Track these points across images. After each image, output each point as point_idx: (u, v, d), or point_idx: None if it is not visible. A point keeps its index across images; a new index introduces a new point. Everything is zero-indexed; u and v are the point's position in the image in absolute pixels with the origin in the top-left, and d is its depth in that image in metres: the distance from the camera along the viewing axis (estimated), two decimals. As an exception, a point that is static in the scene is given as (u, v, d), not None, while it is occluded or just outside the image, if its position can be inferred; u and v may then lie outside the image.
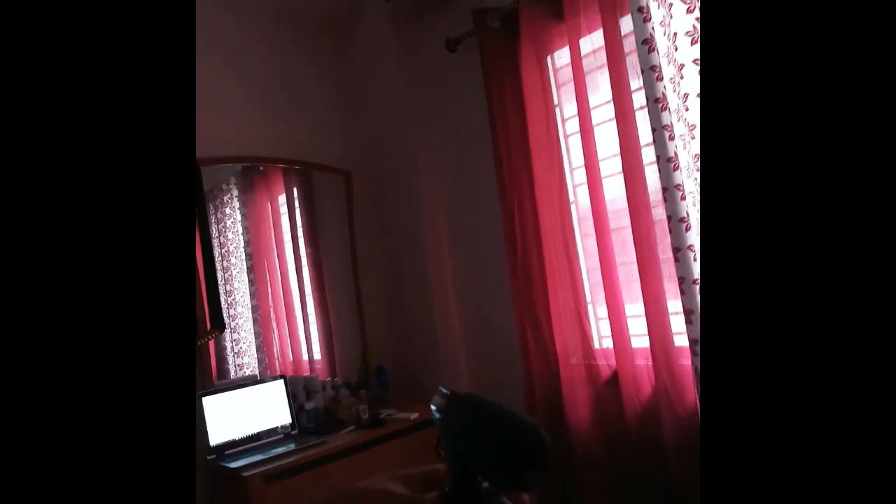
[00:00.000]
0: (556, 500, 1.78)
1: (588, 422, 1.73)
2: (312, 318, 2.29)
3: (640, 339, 1.63)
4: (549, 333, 1.79)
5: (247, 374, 2.11)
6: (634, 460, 1.61)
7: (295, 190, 2.36)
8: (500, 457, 0.30)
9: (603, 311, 1.71)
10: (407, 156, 2.19)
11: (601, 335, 1.81)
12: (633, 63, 1.50)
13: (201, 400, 1.71)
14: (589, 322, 1.76)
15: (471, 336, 2.16)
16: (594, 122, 1.66)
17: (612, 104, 1.57)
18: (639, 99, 1.56)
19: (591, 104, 1.66)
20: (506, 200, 1.83)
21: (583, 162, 1.66)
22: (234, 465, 1.62)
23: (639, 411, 1.61)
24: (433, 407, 0.33)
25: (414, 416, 1.87)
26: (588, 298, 1.78)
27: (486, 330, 2.11)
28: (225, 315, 2.06)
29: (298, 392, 2.00)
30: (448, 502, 0.31)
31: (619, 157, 1.56)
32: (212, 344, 1.98)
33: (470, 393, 0.32)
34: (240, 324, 2.19)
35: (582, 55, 1.63)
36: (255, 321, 2.23)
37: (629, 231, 1.57)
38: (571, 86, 1.68)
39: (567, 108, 1.82)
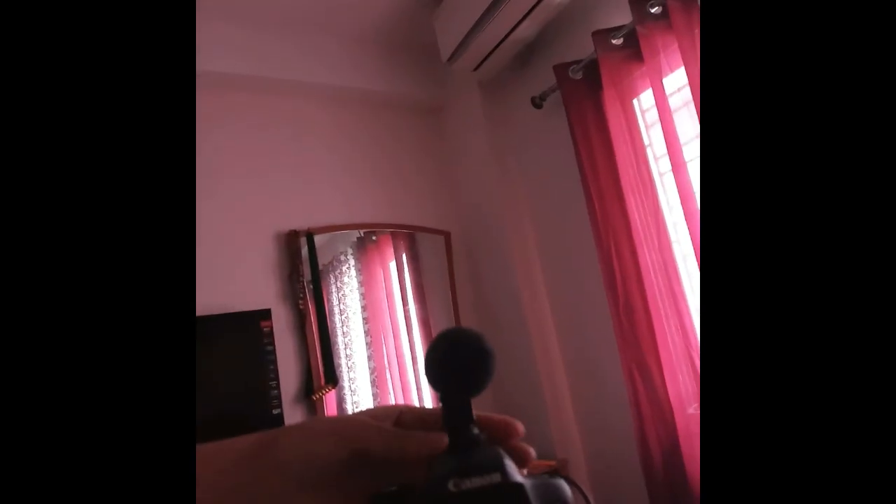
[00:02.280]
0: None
1: (714, 479, 1.58)
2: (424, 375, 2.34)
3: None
4: (661, 381, 1.68)
5: (363, 431, 2.18)
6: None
7: (404, 255, 2.50)
8: (449, 367, 0.32)
9: (718, 354, 1.58)
10: (499, 212, 2.26)
11: (720, 382, 1.66)
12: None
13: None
14: (703, 367, 1.63)
15: (578, 393, 2.09)
16: (686, 159, 1.61)
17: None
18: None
19: (682, 140, 1.62)
20: (602, 245, 1.81)
21: (679, 200, 1.61)
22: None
23: (770, 465, 1.44)
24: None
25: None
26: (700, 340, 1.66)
27: (594, 383, 2.03)
28: (345, 375, 2.19)
29: (409, 448, 2.03)
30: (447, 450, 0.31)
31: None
32: (332, 402, 2.10)
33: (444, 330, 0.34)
34: (359, 385, 2.30)
35: (667, 94, 1.62)
36: (371, 382, 2.33)
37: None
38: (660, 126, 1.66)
39: (658, 147, 1.79)
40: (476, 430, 0.32)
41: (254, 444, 0.31)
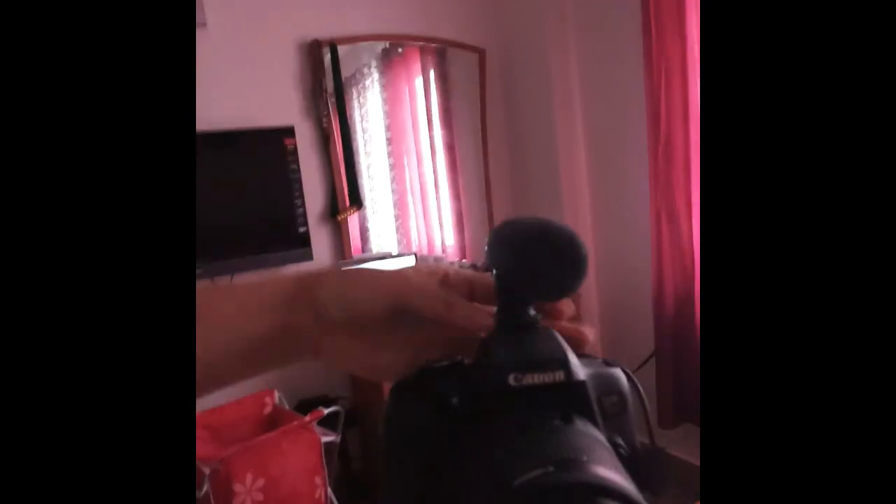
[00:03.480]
0: (676, 401, 1.73)
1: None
2: (446, 201, 2.34)
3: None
4: (688, 226, 1.65)
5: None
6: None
7: (431, 72, 2.33)
8: (541, 268, 0.28)
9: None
10: (543, 30, 2.04)
11: (750, 231, 1.63)
12: None
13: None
14: (736, 215, 1.58)
15: (601, 228, 2.08)
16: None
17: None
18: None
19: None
20: (652, 76, 1.64)
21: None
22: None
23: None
24: (485, 248, 0.31)
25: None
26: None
27: (618, 221, 2.01)
28: (367, 196, 2.17)
29: (428, 270, 2.10)
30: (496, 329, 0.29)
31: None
32: (355, 223, 2.12)
33: (509, 218, 0.30)
34: (379, 207, 2.30)
35: None
36: (393, 204, 2.33)
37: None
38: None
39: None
40: (532, 311, 0.29)
41: (294, 283, 0.30)
